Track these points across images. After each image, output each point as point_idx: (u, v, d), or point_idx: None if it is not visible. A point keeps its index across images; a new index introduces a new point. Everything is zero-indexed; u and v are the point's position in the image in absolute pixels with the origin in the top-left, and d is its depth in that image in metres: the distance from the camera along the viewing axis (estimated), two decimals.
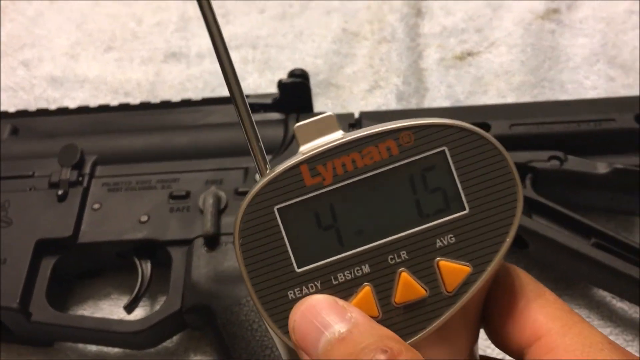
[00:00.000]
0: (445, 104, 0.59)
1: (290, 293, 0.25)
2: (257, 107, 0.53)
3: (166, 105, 0.55)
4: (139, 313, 0.46)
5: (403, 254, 0.25)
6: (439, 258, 0.25)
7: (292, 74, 0.52)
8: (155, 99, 0.56)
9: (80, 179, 0.48)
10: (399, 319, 0.25)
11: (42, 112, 0.54)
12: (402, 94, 0.60)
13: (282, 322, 0.24)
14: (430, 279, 0.25)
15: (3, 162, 0.50)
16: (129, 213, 0.47)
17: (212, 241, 0.45)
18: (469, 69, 0.62)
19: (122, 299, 0.48)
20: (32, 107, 0.56)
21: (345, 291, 0.25)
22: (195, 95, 0.60)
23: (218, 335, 0.42)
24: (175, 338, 0.46)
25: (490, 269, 0.25)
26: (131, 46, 0.65)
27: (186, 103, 0.55)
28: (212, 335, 0.43)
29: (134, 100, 0.57)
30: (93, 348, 0.46)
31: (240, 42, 0.65)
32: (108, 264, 0.48)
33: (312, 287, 0.25)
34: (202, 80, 0.63)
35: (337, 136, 0.25)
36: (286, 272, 0.25)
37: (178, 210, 0.47)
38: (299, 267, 0.25)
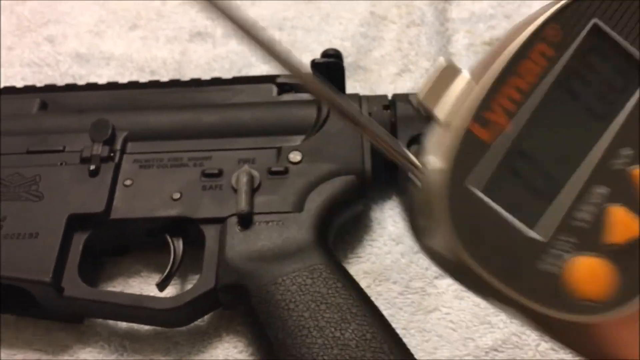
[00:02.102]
0: None
1: (540, 262, 0.23)
2: (288, 87, 0.53)
3: (196, 83, 0.54)
4: (170, 291, 0.46)
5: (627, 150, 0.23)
6: None
7: (326, 54, 0.51)
8: (182, 77, 0.56)
9: (112, 154, 0.48)
10: None
11: (71, 87, 0.54)
12: None
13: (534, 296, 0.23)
14: None
15: (33, 137, 0.49)
16: (161, 190, 0.47)
17: (246, 220, 0.45)
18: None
19: (152, 277, 0.47)
20: (58, 83, 0.55)
21: (595, 227, 0.23)
22: (222, 75, 0.59)
23: (252, 315, 0.41)
24: (206, 317, 0.45)
25: None
26: (156, 25, 0.65)
27: (216, 81, 0.54)
28: (245, 315, 0.42)
29: (161, 78, 0.57)
30: (123, 325, 0.45)
31: (267, 24, 0.64)
32: (139, 242, 0.48)
33: (562, 244, 0.23)
34: (228, 60, 0.62)
35: (467, 76, 0.22)
36: (523, 244, 0.23)
37: (211, 188, 0.47)
38: (533, 232, 0.23)
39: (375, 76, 0.61)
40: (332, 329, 0.39)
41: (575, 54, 0.23)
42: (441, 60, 0.24)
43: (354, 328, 0.40)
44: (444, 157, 0.23)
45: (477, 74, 0.24)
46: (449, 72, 0.24)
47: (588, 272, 0.23)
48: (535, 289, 0.23)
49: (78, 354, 0.44)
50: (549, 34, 0.23)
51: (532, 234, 0.23)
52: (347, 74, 0.60)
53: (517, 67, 0.23)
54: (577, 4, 0.23)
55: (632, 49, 0.24)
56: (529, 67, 0.23)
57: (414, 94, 0.25)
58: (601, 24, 0.23)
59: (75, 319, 0.46)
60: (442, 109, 0.23)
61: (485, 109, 0.23)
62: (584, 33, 0.23)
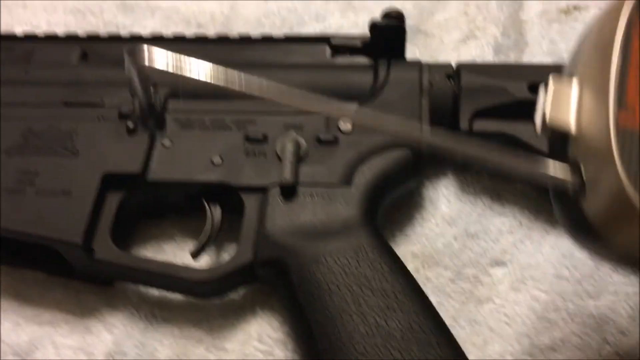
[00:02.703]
0: (547, 60, 0.54)
1: None
2: (344, 50, 0.49)
3: (245, 40, 0.50)
4: (204, 260, 0.43)
5: None
6: None
7: (387, 15, 0.47)
8: (230, 33, 0.52)
9: (152, 112, 0.45)
10: None
11: (114, 38, 0.51)
12: (500, 46, 0.54)
13: None
14: None
15: (71, 88, 0.47)
16: (201, 153, 0.44)
17: (290, 191, 0.41)
18: (575, 24, 0.56)
19: (186, 243, 0.45)
20: (102, 32, 0.53)
21: None
22: (272, 32, 0.55)
23: (291, 293, 0.39)
24: (241, 290, 0.43)
25: None
26: None
27: (266, 39, 0.50)
28: (283, 292, 0.40)
29: (208, 32, 0.53)
30: (155, 292, 0.43)
31: None
32: (175, 206, 0.45)
33: None
34: (279, 17, 0.58)
35: (575, 82, 0.25)
36: None
37: (254, 155, 0.43)
38: None
39: (436, 42, 0.56)
40: (376, 317, 0.36)
41: None
42: (550, 80, 0.26)
43: (399, 317, 0.36)
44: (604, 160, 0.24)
45: (588, 71, 0.26)
46: (561, 87, 0.26)
47: None
48: None
49: (106, 318, 0.42)
50: None
51: None
52: (407, 37, 0.57)
53: (630, 57, 0.25)
54: None
55: None
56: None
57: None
58: None
59: (106, 281, 0.44)
60: (573, 123, 0.25)
61: (623, 103, 0.24)
62: None
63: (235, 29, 0.57)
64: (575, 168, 0.27)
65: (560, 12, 0.57)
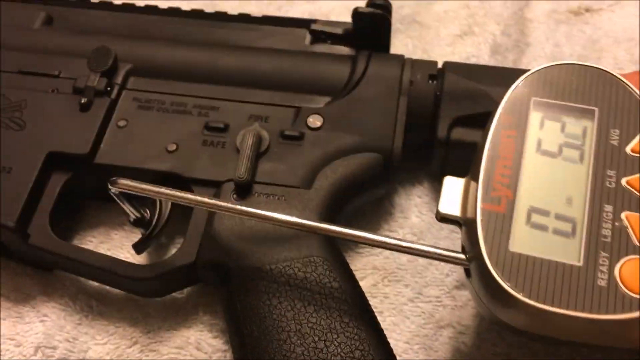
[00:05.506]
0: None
1: (593, 281, 0.28)
2: (325, 37, 0.45)
3: (221, 17, 0.47)
4: (149, 256, 0.40)
5: None
6: None
7: (373, 3, 0.43)
8: (210, 8, 0.48)
9: (109, 88, 0.42)
10: None
11: (82, 4, 0.48)
12: (499, 46, 0.50)
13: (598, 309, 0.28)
14: None
15: (29, 55, 0.44)
16: (156, 138, 0.41)
17: (244, 189, 0.38)
18: (584, 27, 0.52)
19: (136, 233, 0.42)
20: None
21: (620, 237, 0.29)
22: (258, 10, 0.52)
23: (231, 301, 0.36)
24: (186, 290, 0.40)
25: None
26: None
27: (244, 18, 0.47)
28: (223, 299, 0.37)
29: (185, 6, 0.50)
30: (94, 283, 0.40)
31: None
32: (126, 192, 0.42)
33: (602, 260, 0.29)
34: None
35: (463, 179, 0.34)
36: (573, 274, 0.29)
37: (212, 145, 0.40)
38: (575, 262, 0.29)
39: (432, 34, 0.52)
40: (316, 338, 0.33)
41: (533, 126, 0.32)
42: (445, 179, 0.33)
43: (341, 341, 0.33)
44: (474, 242, 0.30)
45: (473, 171, 0.32)
46: (451, 181, 0.33)
47: (631, 271, 0.28)
48: (599, 303, 0.28)
49: (40, 306, 0.40)
50: (504, 121, 0.33)
51: (575, 263, 0.29)
52: (401, 27, 0.53)
53: (498, 152, 0.32)
54: (514, 94, 0.33)
55: (575, 105, 0.33)
56: (504, 148, 0.32)
57: None
58: (539, 99, 0.33)
59: (45, 267, 0.41)
60: (460, 209, 0.32)
61: (490, 190, 0.31)
62: (530, 113, 0.33)
63: (218, 4, 0.53)
64: (464, 251, 0.31)
65: (569, 12, 0.52)
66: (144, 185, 0.35)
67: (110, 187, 0.36)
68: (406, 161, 0.41)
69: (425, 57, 0.48)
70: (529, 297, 0.28)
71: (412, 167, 0.43)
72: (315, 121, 0.41)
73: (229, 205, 0.34)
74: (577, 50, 0.51)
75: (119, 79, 0.42)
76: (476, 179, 0.31)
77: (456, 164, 0.39)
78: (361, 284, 0.39)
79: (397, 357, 0.37)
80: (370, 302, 0.39)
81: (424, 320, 0.39)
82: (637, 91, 0.33)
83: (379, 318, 0.38)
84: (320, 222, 0.34)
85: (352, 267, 0.40)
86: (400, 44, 0.52)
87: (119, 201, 0.37)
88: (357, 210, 0.42)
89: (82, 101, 0.41)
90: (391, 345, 0.37)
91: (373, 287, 0.40)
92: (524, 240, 0.29)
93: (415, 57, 0.46)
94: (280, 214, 0.34)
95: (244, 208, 0.34)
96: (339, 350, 0.33)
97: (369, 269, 0.41)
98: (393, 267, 0.40)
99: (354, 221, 0.42)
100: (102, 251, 0.41)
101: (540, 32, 0.52)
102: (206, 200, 0.34)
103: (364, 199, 0.41)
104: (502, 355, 0.37)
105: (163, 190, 0.35)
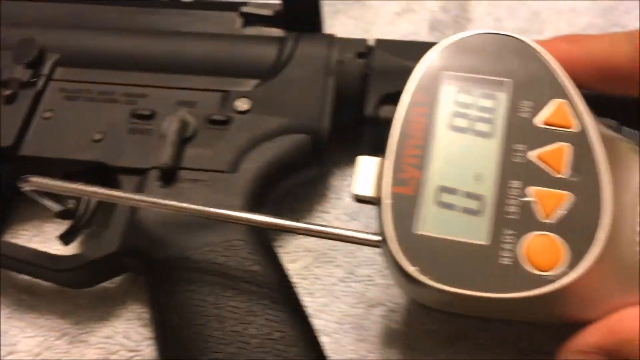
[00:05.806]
0: None
1: (499, 259, 0.28)
2: (254, 20, 0.44)
3: (152, 3, 0.46)
4: (81, 245, 0.40)
5: None
6: None
7: None
8: None
9: (35, 80, 0.41)
10: None
11: None
12: (437, 22, 0.50)
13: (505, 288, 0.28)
14: None
15: None
16: (82, 128, 0.40)
17: (169, 175, 0.38)
18: (527, 1, 0.51)
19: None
20: None
21: (527, 213, 0.29)
22: None
23: (153, 290, 0.35)
24: (118, 279, 0.40)
25: None
26: None
27: (175, 4, 0.46)
28: (146, 287, 0.36)
29: None
30: (26, 277, 0.40)
31: None
32: None
33: (508, 238, 0.28)
34: None
35: (378, 159, 0.32)
36: (479, 253, 0.28)
37: (138, 133, 0.40)
38: (482, 241, 0.28)
39: (372, 14, 0.51)
40: (234, 322, 0.33)
41: (443, 102, 0.31)
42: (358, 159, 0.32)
43: (260, 323, 0.33)
44: (387, 223, 0.29)
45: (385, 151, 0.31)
46: (365, 161, 0.32)
47: (537, 248, 0.28)
48: (504, 282, 0.27)
49: None
50: (415, 98, 0.31)
51: (482, 242, 0.28)
52: (342, 8, 0.52)
53: (407, 131, 0.31)
54: (425, 68, 0.32)
55: (488, 77, 0.32)
56: (414, 127, 0.31)
57: None
58: (450, 72, 0.32)
59: None
60: (374, 189, 0.31)
61: (398, 172, 0.30)
62: (440, 87, 0.32)
63: None
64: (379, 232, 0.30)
65: None
66: (56, 182, 0.35)
67: (20, 185, 0.35)
68: (340, 142, 0.41)
69: (366, 36, 0.48)
70: (436, 281, 0.28)
71: (346, 148, 0.43)
72: (242, 104, 0.40)
73: (136, 196, 0.34)
74: (519, 24, 0.50)
75: (45, 70, 0.42)
76: (388, 160, 0.30)
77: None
78: (293, 266, 0.39)
79: (327, 337, 0.37)
80: (302, 284, 0.39)
81: (355, 299, 0.38)
82: (550, 59, 0.32)
83: (310, 299, 0.38)
84: (235, 211, 0.33)
85: (284, 250, 0.40)
86: (341, 24, 0.51)
87: (35, 198, 0.37)
88: (289, 192, 0.41)
89: (6, 93, 0.41)
90: (322, 325, 0.37)
91: (305, 269, 0.39)
92: (432, 221, 0.29)
93: (355, 37, 0.45)
94: (194, 205, 0.33)
95: (152, 199, 0.34)
96: (258, 332, 0.33)
97: (301, 251, 0.40)
98: (324, 248, 0.40)
99: (286, 204, 0.41)
100: (34, 245, 0.40)
101: (482, 7, 0.51)
102: (114, 193, 0.34)
103: (295, 181, 0.41)
104: (432, 332, 0.37)
105: (73, 186, 0.34)
